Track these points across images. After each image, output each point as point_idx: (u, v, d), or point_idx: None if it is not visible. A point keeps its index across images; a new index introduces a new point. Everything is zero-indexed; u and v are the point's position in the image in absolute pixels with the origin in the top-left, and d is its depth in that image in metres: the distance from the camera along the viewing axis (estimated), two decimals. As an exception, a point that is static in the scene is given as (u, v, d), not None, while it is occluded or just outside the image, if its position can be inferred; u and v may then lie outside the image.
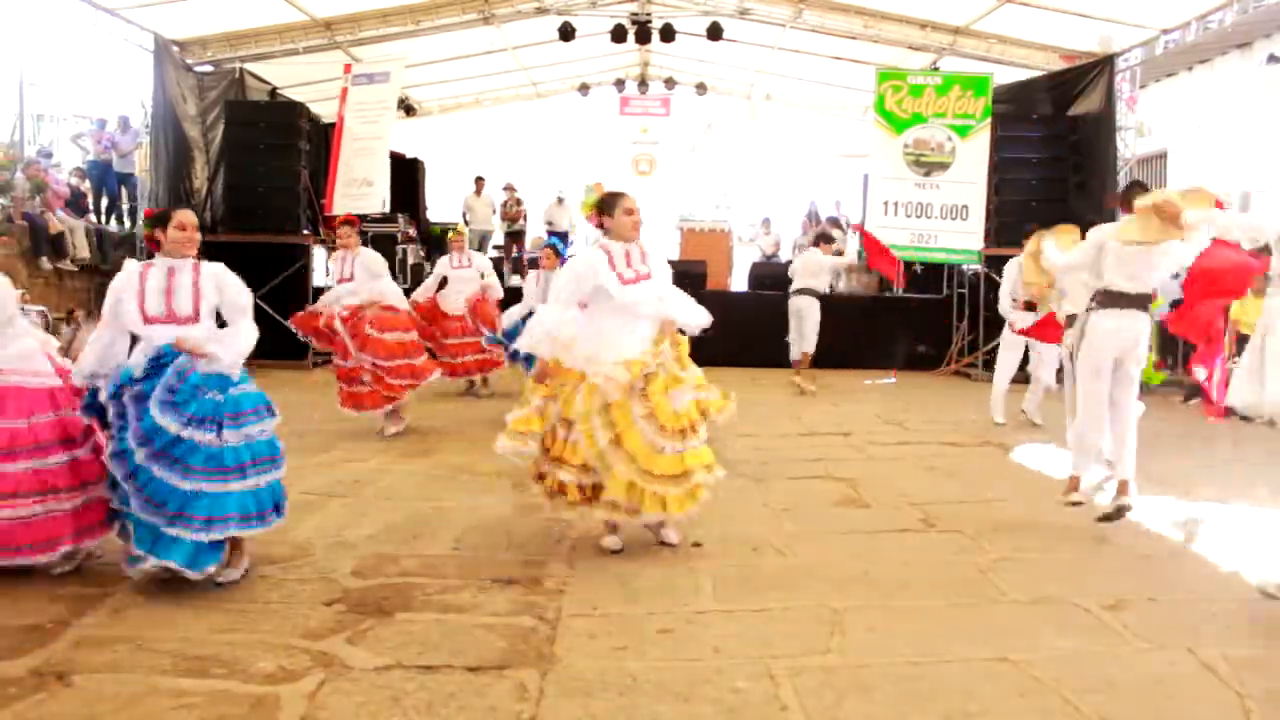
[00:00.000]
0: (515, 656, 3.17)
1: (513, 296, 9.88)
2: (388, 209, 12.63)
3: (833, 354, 11.05)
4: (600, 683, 2.98)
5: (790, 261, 12.10)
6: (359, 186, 12.55)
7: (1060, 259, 5.16)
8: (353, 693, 2.89)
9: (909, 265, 13.21)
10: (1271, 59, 12.03)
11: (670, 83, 18.08)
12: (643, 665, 3.12)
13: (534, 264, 15.71)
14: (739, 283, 14.75)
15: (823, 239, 10.76)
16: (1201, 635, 3.42)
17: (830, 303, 11.36)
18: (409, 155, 14.75)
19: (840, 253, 11.27)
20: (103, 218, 12.73)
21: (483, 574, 3.99)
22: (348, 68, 12.98)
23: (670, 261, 14.18)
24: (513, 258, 15.77)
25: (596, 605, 3.65)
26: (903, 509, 5.22)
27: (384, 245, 13.16)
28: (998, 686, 3.00)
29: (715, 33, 13.02)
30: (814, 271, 10.11)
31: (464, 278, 9.05)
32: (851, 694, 2.93)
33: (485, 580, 3.91)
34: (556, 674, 3.05)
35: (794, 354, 10.16)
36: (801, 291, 10.04)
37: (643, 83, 18.21)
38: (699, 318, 4.36)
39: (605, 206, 4.32)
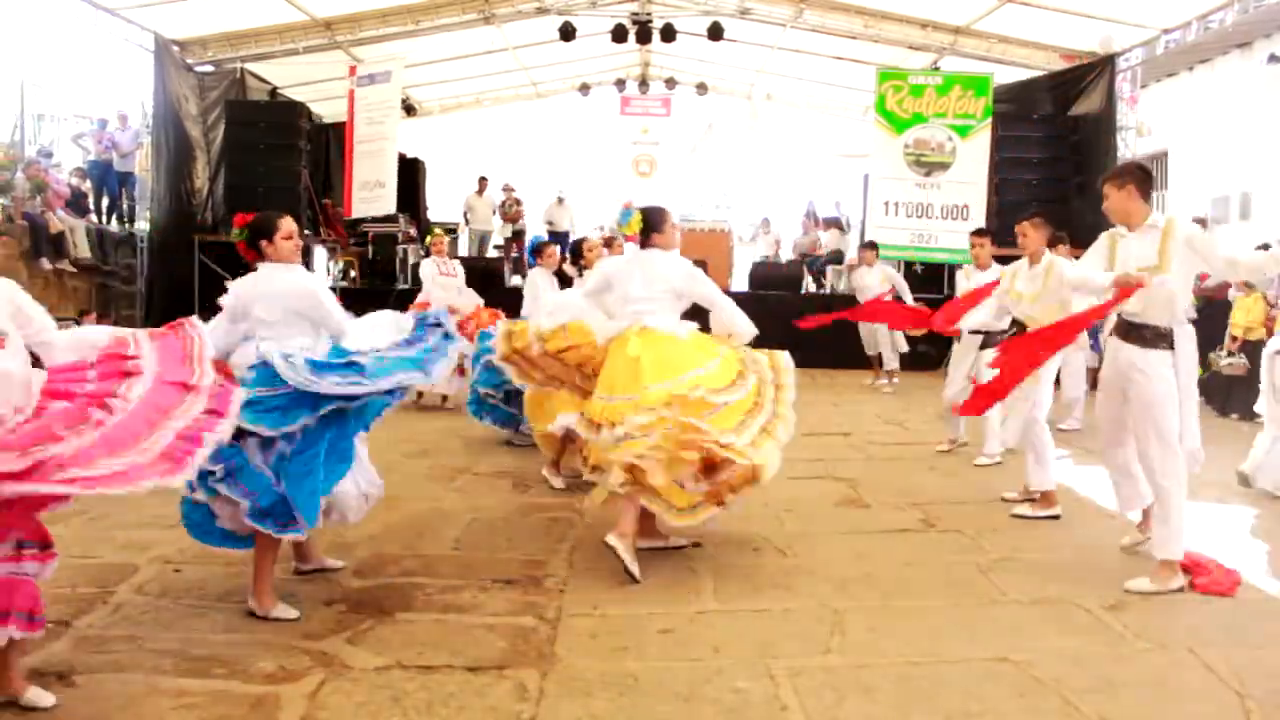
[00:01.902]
0: (515, 656, 3.17)
1: (511, 298, 9.87)
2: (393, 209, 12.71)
3: (833, 354, 11.06)
4: (600, 683, 2.98)
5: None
6: (372, 189, 12.64)
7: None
8: (353, 693, 2.89)
9: (910, 265, 13.22)
10: (1272, 59, 12.03)
11: (671, 83, 18.08)
12: (643, 665, 3.12)
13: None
14: (739, 283, 14.74)
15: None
16: (1201, 635, 3.42)
17: (829, 302, 11.38)
18: (409, 155, 14.76)
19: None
20: (103, 218, 12.74)
21: (483, 574, 3.99)
22: (352, 70, 13.03)
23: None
24: (513, 258, 15.77)
25: (597, 605, 3.65)
26: (903, 509, 5.22)
27: (385, 245, 13.23)
28: (998, 687, 3.00)
29: (716, 33, 13.02)
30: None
31: (449, 285, 8.76)
32: (852, 694, 2.93)
33: (485, 580, 3.91)
34: (557, 674, 3.05)
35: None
36: None
37: (643, 83, 18.21)
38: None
39: (655, 221, 4.32)
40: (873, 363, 10.90)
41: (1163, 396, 3.88)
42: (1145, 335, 3.95)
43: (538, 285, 6.51)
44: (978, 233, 7.08)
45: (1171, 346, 3.91)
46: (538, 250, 6.91)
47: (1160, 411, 3.88)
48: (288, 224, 3.80)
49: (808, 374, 10.94)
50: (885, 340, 10.49)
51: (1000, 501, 5.37)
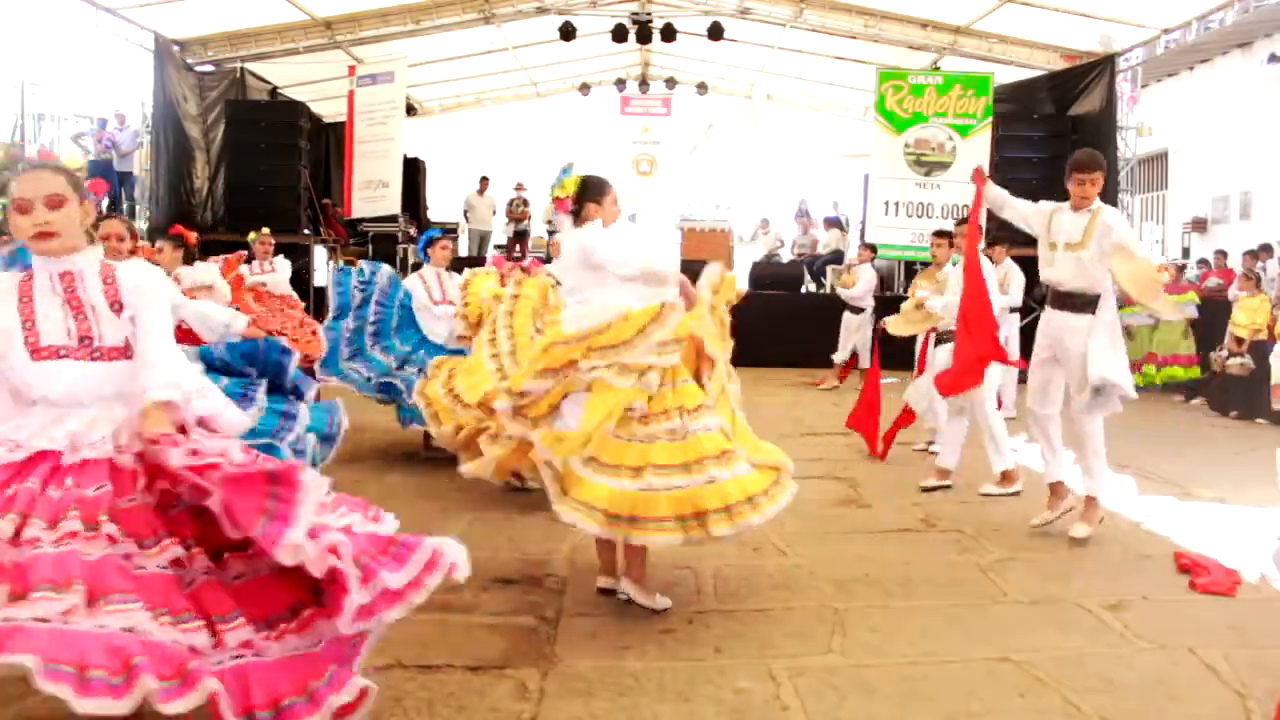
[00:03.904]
0: (516, 656, 3.17)
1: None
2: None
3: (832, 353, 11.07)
4: (601, 682, 2.98)
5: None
6: (375, 189, 12.66)
7: None
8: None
9: (910, 265, 13.24)
10: (1272, 58, 12.05)
11: (671, 82, 18.08)
12: (644, 665, 3.11)
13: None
14: (739, 282, 14.72)
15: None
16: (1202, 635, 3.42)
17: (829, 302, 11.39)
18: (410, 155, 14.78)
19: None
20: (103, 217, 12.74)
21: (483, 574, 3.99)
22: (351, 70, 13.04)
23: (670, 261, 13.79)
24: (514, 257, 15.76)
25: (597, 604, 3.65)
26: (904, 509, 5.22)
27: (386, 245, 13.25)
28: (999, 686, 3.00)
29: (716, 32, 13.02)
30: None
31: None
32: (853, 694, 2.93)
33: (485, 580, 3.91)
34: (557, 673, 3.04)
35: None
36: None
37: (643, 82, 18.21)
38: None
39: (595, 190, 3.62)
40: (837, 364, 10.46)
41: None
42: (1075, 302, 4.55)
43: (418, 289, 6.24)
44: (940, 234, 7.06)
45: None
46: (430, 244, 6.51)
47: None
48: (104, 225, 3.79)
49: (807, 373, 10.98)
50: (864, 343, 10.29)
51: (996, 501, 5.38)
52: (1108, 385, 4.45)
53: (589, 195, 3.59)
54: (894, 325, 6.69)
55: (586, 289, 3.55)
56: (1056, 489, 4.80)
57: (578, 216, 3.62)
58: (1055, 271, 4.66)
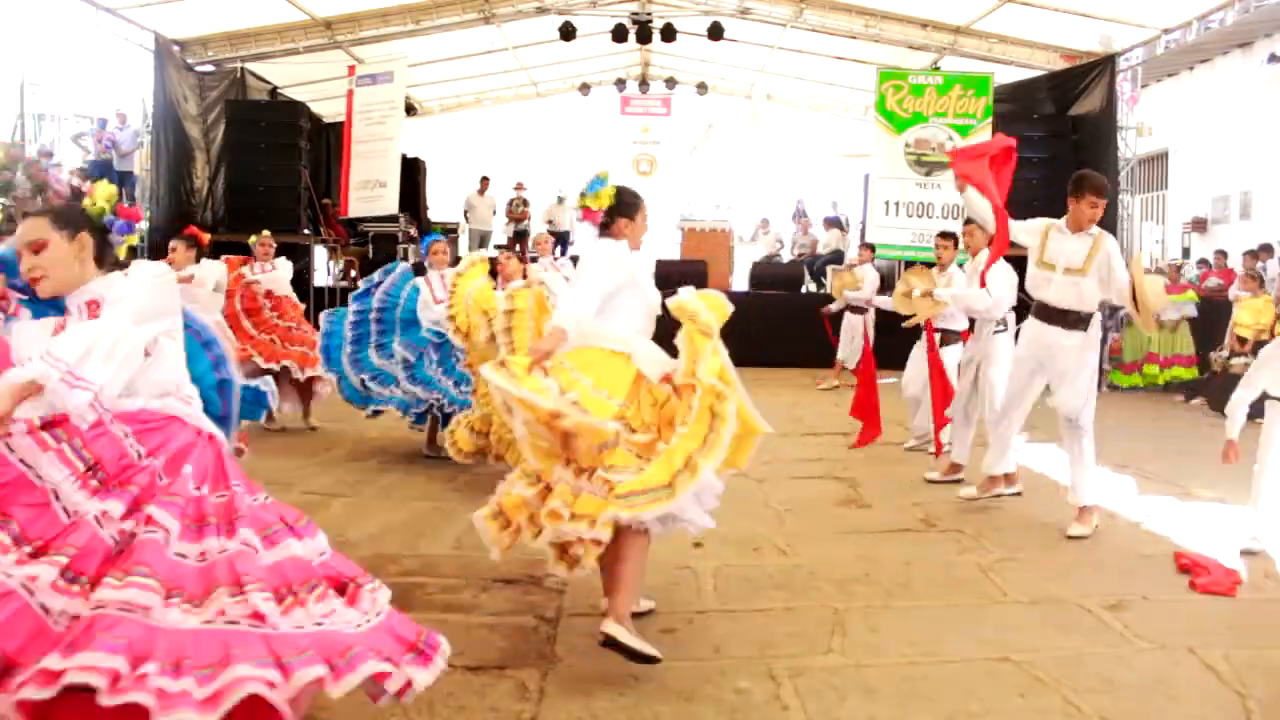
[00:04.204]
0: (516, 656, 3.17)
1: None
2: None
3: (832, 354, 11.07)
4: (601, 682, 2.98)
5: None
6: (372, 189, 12.66)
7: None
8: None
9: (910, 265, 13.24)
10: (1272, 58, 12.04)
11: (671, 82, 18.09)
12: (644, 665, 3.11)
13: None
14: (740, 282, 14.77)
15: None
16: (1202, 635, 3.42)
17: (829, 302, 11.37)
18: (410, 155, 14.78)
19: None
20: (103, 217, 12.74)
21: (483, 574, 3.99)
22: (351, 69, 13.04)
23: (670, 261, 13.99)
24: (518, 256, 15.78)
25: (597, 604, 3.65)
26: (904, 509, 5.22)
27: (386, 245, 13.26)
28: (999, 686, 3.00)
29: (716, 32, 13.02)
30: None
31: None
32: (853, 694, 2.93)
33: (485, 580, 3.91)
34: (557, 673, 3.05)
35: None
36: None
37: (643, 82, 18.22)
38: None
39: (629, 206, 3.42)
40: (839, 364, 10.54)
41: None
42: (1069, 319, 4.64)
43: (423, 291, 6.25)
44: (945, 235, 7.02)
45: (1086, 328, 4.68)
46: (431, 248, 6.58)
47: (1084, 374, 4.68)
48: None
49: (808, 374, 10.98)
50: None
51: (997, 501, 5.38)
52: (1076, 421, 4.71)
53: (622, 211, 3.39)
54: (895, 303, 6.71)
55: (616, 311, 3.31)
56: (992, 481, 5.17)
57: (606, 229, 3.41)
58: (1051, 294, 4.66)
